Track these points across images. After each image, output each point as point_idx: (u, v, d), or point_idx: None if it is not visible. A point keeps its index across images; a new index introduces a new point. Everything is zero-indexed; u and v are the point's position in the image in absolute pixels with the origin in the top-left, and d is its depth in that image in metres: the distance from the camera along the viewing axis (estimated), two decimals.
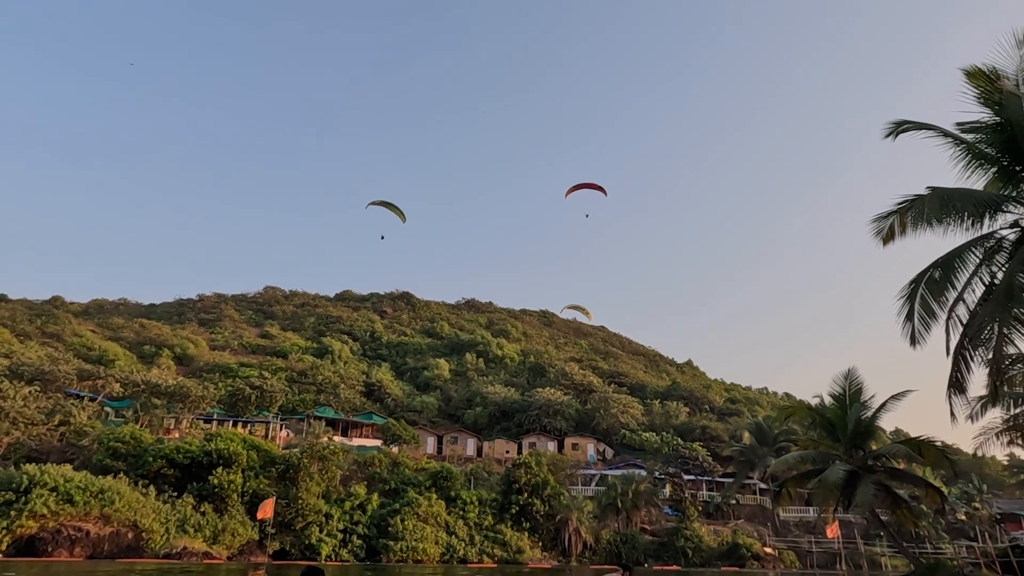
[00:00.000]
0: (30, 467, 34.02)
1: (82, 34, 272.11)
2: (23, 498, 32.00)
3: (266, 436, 55.64)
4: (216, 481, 38.84)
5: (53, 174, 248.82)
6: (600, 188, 34.69)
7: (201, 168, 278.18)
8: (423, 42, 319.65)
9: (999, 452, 75.71)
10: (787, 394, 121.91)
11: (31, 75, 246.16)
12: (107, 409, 56.09)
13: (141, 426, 47.98)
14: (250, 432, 54.04)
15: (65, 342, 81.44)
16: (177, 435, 50.46)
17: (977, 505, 59.70)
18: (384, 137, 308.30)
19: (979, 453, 28.60)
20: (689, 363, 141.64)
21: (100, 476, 36.14)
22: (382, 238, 46.11)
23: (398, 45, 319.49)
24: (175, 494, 38.69)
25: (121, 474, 37.74)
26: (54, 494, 32.68)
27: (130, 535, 34.71)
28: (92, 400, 54.00)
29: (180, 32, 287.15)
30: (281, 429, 61.18)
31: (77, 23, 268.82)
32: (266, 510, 37.03)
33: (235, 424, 58.00)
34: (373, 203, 37.52)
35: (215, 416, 59.88)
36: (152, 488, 37.72)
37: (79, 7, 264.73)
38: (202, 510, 38.13)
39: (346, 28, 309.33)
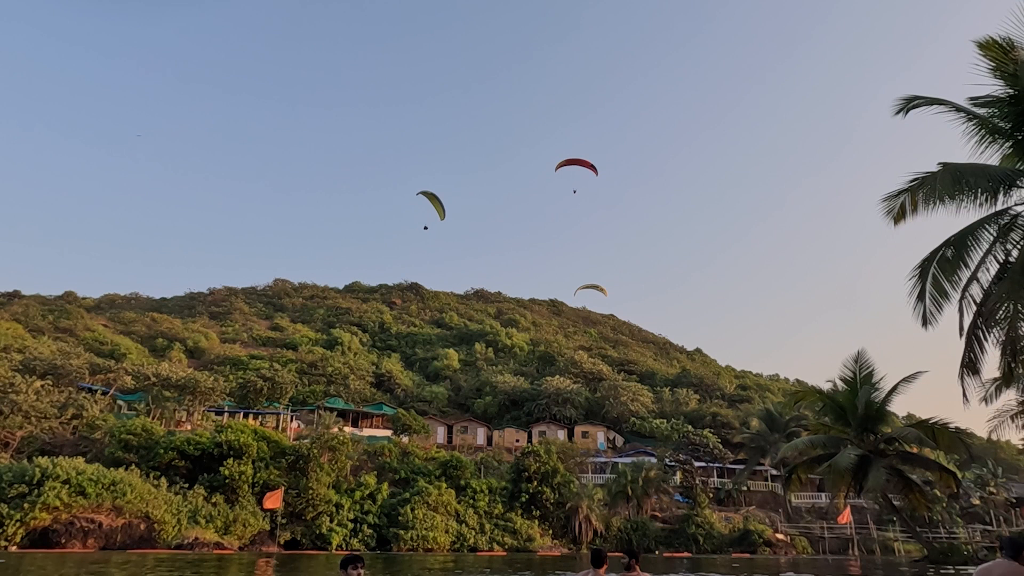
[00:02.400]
0: (43, 460, 34.39)
1: (81, 18, 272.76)
2: (36, 491, 32.38)
3: (277, 427, 55.84)
4: (227, 472, 39.07)
5: (62, 171, 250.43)
6: (591, 166, 33.80)
7: (207, 162, 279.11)
8: (422, 32, 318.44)
9: (1014, 435, 75.15)
10: (798, 380, 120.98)
11: (35, 66, 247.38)
12: (119, 402, 56.58)
13: (153, 419, 48.36)
14: (261, 424, 54.31)
15: (78, 337, 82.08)
16: (188, 427, 50.82)
17: (992, 489, 59.19)
18: (387, 128, 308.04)
19: (994, 436, 28.13)
20: (699, 350, 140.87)
21: (112, 468, 36.44)
22: (425, 228, 46.24)
23: (402, 39, 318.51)
24: (186, 485, 38.97)
25: (133, 466, 38.06)
26: (66, 487, 32.97)
27: (142, 526, 34.98)
28: (104, 394, 54.42)
29: (187, 21, 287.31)
30: (292, 420, 61.45)
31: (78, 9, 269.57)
32: (274, 500, 37.18)
33: (246, 416, 58.30)
34: (421, 193, 36.99)
35: (226, 408, 60.21)
36: (164, 480, 37.99)
37: None
38: (213, 501, 38.37)
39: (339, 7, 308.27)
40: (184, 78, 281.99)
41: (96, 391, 53.94)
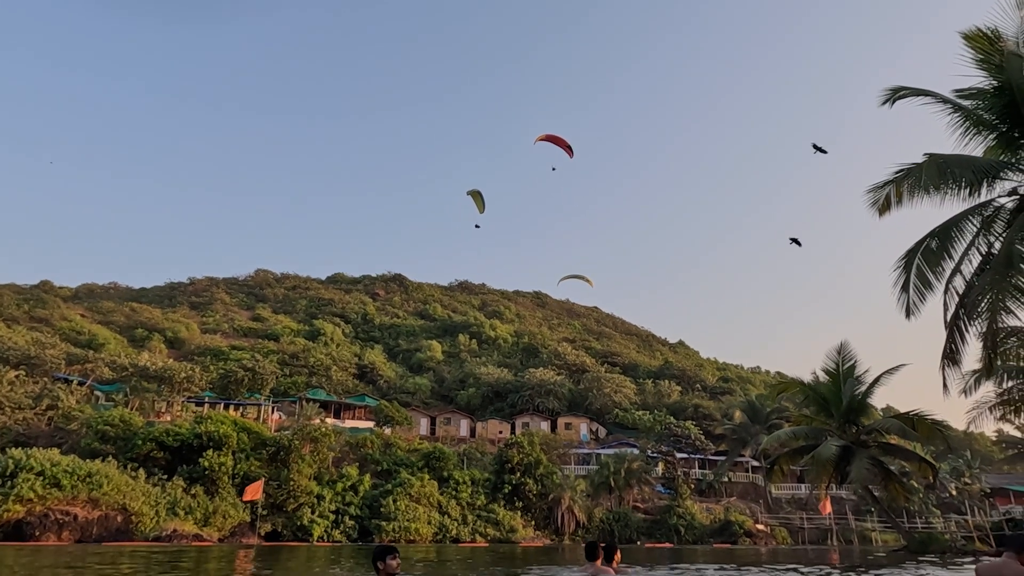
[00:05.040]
0: (16, 451, 33.67)
1: (69, 22, 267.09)
2: (9, 483, 31.62)
3: (258, 418, 55.33)
4: (206, 463, 38.53)
5: (42, 159, 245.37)
6: (567, 148, 33.28)
7: (189, 151, 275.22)
8: (406, 22, 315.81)
9: (990, 427, 76.51)
10: (779, 373, 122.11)
11: (15, 59, 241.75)
12: (97, 393, 55.67)
13: (131, 409, 47.59)
14: (242, 415, 53.74)
15: (54, 326, 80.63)
16: (168, 418, 50.15)
17: (967, 480, 60.17)
18: (372, 118, 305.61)
19: (972, 428, 28.53)
20: (681, 343, 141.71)
21: (88, 460, 35.77)
22: (477, 227, 47.69)
23: (379, 25, 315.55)
24: (165, 477, 38.37)
25: (110, 457, 37.36)
26: (41, 478, 32.31)
27: (119, 518, 34.42)
28: (81, 384, 53.51)
29: (189, 36, 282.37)
30: (273, 412, 60.91)
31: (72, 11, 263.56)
32: (254, 492, 36.80)
33: (227, 407, 57.71)
34: (469, 192, 37.52)
35: (207, 399, 59.53)
36: (142, 471, 37.39)
37: None
38: (192, 492, 37.87)
39: (327, 8, 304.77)
40: (160, 69, 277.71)
41: (72, 381, 53.02)
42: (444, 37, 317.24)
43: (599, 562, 8.42)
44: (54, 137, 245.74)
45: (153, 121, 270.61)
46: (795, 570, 18.93)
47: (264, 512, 39.43)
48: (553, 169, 35.43)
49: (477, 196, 36.54)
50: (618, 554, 8.71)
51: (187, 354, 79.98)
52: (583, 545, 8.84)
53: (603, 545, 8.79)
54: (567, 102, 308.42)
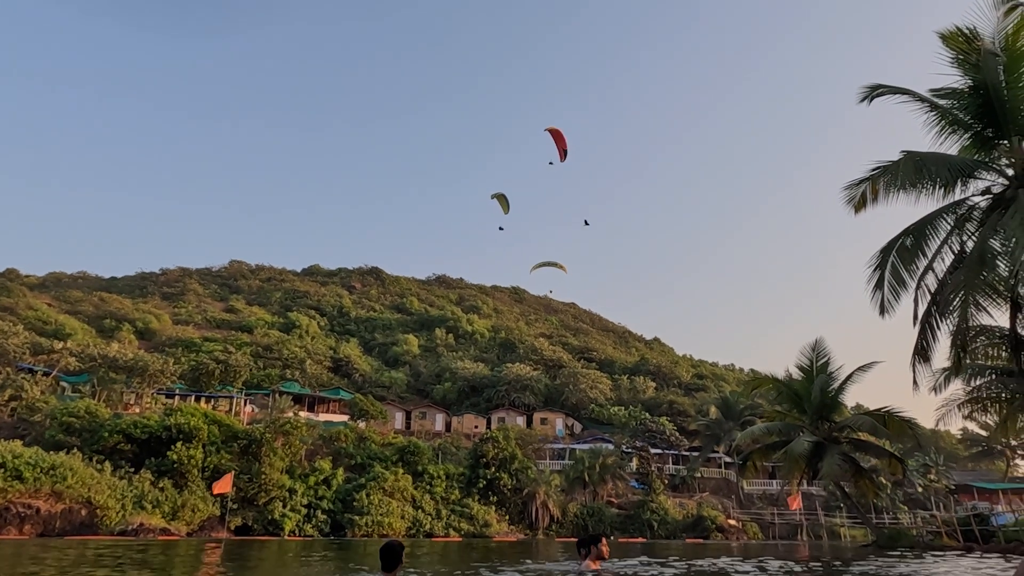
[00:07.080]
0: None
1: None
2: None
3: (230, 411, 54.50)
4: (175, 456, 37.85)
5: (9, 146, 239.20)
6: (562, 152, 33.26)
7: (166, 144, 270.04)
8: (392, 32, 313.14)
9: (957, 425, 78.03)
10: (753, 370, 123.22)
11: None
12: (63, 384, 54.35)
13: (99, 401, 46.58)
14: (213, 407, 52.90)
15: (19, 315, 78.34)
16: (137, 410, 49.21)
17: (933, 477, 61.37)
18: (353, 117, 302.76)
19: (940, 426, 28.94)
20: (657, 340, 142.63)
21: (52, 452, 34.97)
22: (500, 229, 51.33)
23: (369, 36, 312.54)
24: (132, 470, 37.64)
25: (75, 450, 36.55)
26: (2, 470, 31.50)
27: (83, 512, 33.65)
28: (46, 375, 52.22)
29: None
30: (245, 404, 60.03)
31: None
32: (223, 485, 36.24)
33: (198, 399, 56.65)
34: (494, 195, 38.26)
35: (177, 391, 58.50)
36: (108, 464, 36.64)
37: None
38: (161, 486, 37.16)
39: (312, 20, 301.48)
40: (157, 86, 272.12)
41: (37, 372, 51.76)
42: (434, 41, 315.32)
43: (597, 562, 7.98)
44: (32, 129, 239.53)
45: (130, 115, 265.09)
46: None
47: (234, 506, 38.84)
48: (550, 164, 35.95)
49: (502, 199, 37.22)
50: (604, 548, 8.17)
51: (158, 345, 78.48)
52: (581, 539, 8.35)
53: (577, 541, 8.40)
54: (550, 107, 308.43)
